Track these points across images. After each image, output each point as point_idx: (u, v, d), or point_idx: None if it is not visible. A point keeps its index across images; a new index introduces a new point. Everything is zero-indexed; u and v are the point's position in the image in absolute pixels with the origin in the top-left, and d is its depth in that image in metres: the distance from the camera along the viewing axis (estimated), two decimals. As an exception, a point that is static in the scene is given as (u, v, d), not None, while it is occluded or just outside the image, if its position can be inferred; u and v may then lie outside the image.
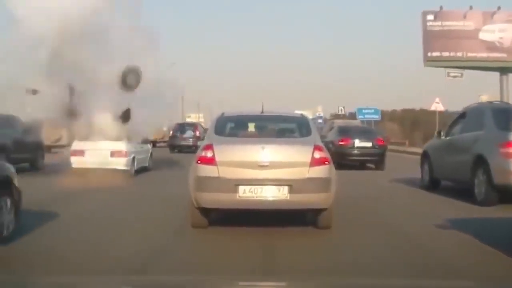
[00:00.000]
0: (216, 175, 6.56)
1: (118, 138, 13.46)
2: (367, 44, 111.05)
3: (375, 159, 17.33)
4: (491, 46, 28.94)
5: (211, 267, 5.34)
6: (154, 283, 3.22)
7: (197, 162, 6.75)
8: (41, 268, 5.19)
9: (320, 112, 48.37)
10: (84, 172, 12.34)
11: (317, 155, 6.65)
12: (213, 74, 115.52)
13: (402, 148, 30.70)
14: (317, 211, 6.80)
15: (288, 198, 6.49)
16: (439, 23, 29.56)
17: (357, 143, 17.25)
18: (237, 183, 6.49)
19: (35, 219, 7.11)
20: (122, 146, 13.48)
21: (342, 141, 17.20)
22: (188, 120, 48.43)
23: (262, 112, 7.67)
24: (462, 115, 10.73)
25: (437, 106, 31.17)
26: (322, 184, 6.57)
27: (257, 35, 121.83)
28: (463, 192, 9.82)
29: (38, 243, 6.10)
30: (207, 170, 6.60)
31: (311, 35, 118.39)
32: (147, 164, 15.66)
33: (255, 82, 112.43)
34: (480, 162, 9.14)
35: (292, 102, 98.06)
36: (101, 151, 13.16)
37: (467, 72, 31.05)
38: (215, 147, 6.69)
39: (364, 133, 18.68)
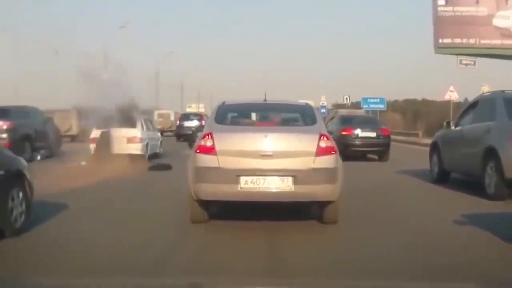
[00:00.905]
0: (216, 165, 6.40)
1: (132, 126, 15.49)
2: (371, 34, 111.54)
3: (380, 150, 17.25)
4: (505, 33, 28.58)
5: (213, 266, 5.26)
6: (153, 284, 3.24)
7: (195, 152, 6.59)
8: (46, 264, 5.28)
9: (323, 101, 48.17)
10: (102, 157, 13.55)
11: (323, 144, 6.50)
12: (215, 64, 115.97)
13: (414, 140, 30.50)
14: (323, 205, 6.68)
15: (293, 189, 6.34)
16: (450, 8, 29.18)
17: (361, 133, 17.17)
18: (238, 173, 6.34)
19: (47, 208, 7.48)
20: (137, 133, 15.42)
21: (344, 131, 17.10)
22: (189, 110, 49.97)
23: (265, 100, 7.54)
24: (473, 104, 10.57)
25: (452, 94, 30.54)
26: (328, 174, 6.42)
27: (260, 25, 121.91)
28: (474, 185, 9.71)
29: (46, 237, 6.33)
30: (206, 160, 6.45)
31: (314, 26, 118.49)
32: (158, 151, 17.54)
33: (258, 72, 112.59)
34: (491, 154, 8.99)
35: (295, 92, 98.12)
36: (118, 138, 14.56)
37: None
38: (215, 136, 6.53)
39: (368, 123, 18.64)
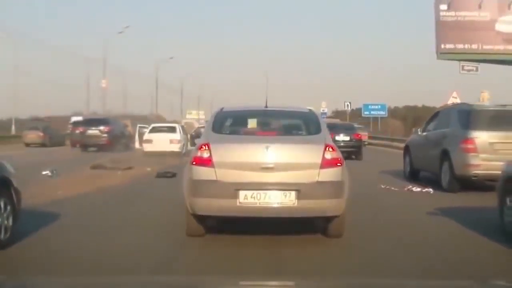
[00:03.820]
0: (213, 178, 6.51)
1: (173, 131, 25.01)
2: (370, 40, 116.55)
3: (353, 151, 23.07)
4: (508, 38, 30.79)
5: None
6: (153, 284, 3.46)
7: (191, 163, 6.71)
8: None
9: (324, 108, 50.86)
10: (152, 153, 22.41)
11: (329, 155, 6.63)
12: (214, 69, 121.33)
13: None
14: (327, 218, 6.87)
15: (296, 204, 6.45)
16: (452, 13, 31.20)
17: (337, 137, 22.17)
18: (237, 187, 6.44)
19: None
20: (177, 136, 24.80)
21: None
22: (189, 116, 57.51)
23: (266, 107, 7.63)
24: (436, 114, 14.06)
25: (454, 101, 31.56)
26: (334, 188, 6.57)
27: (260, 29, 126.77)
28: (436, 180, 12.86)
29: (40, 246, 6.61)
30: (203, 173, 6.57)
31: (315, 30, 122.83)
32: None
33: (258, 77, 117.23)
34: (445, 155, 12.32)
35: (295, 98, 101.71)
36: (163, 140, 23.90)
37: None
38: (212, 146, 6.64)
39: (344, 129, 24.53)
